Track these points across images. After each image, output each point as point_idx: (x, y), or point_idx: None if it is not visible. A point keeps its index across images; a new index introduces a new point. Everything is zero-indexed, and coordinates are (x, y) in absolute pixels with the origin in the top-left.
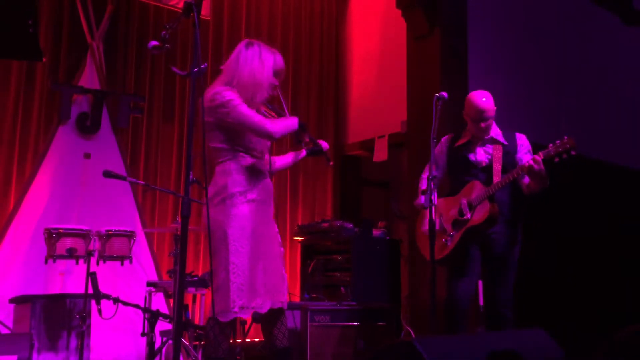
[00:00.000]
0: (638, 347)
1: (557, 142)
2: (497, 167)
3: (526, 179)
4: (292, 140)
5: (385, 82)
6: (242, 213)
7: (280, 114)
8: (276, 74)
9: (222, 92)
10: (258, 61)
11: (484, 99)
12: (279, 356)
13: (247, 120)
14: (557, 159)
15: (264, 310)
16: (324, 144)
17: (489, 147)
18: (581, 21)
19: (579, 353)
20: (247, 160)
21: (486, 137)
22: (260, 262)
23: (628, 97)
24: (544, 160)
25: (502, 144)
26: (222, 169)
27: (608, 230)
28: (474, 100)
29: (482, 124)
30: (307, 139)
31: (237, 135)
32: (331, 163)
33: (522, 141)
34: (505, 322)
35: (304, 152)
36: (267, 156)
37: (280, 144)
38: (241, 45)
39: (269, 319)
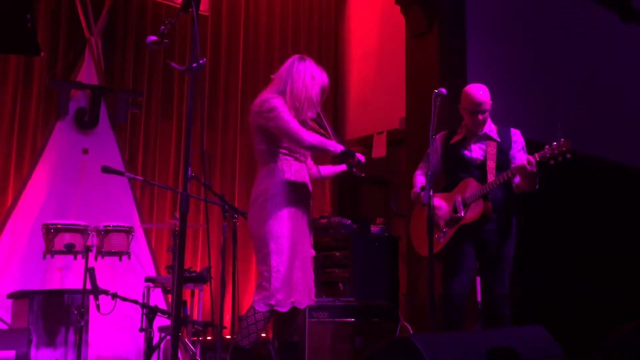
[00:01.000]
0: (636, 344)
1: (554, 144)
2: (491, 164)
3: (517, 179)
4: (336, 161)
5: (384, 78)
6: (282, 214)
7: (320, 125)
8: (323, 91)
9: (270, 99)
10: (310, 76)
11: (481, 92)
12: (288, 349)
13: (285, 126)
14: (552, 162)
15: (302, 306)
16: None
17: (484, 144)
18: (580, 17)
19: (577, 350)
20: (290, 163)
21: (480, 133)
22: (297, 261)
23: (627, 94)
24: (539, 162)
25: (496, 141)
26: (266, 171)
27: (608, 228)
28: (471, 92)
29: (480, 116)
30: (353, 165)
31: (280, 139)
32: (363, 175)
33: (517, 137)
34: (502, 319)
35: (343, 167)
36: (310, 161)
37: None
38: (294, 58)
39: (287, 314)
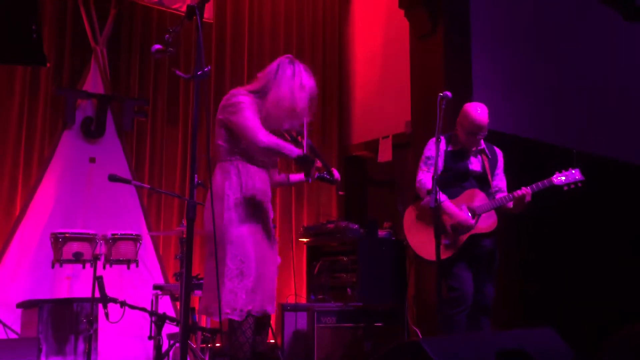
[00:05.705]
0: None
1: (564, 172)
2: (489, 179)
3: (510, 203)
4: (300, 169)
5: (389, 82)
6: (238, 218)
7: (299, 133)
8: (311, 101)
9: (238, 94)
10: (299, 84)
11: (482, 113)
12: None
13: (244, 122)
14: (566, 188)
15: (260, 313)
16: (336, 174)
17: (480, 157)
18: (583, 16)
19: (588, 353)
20: (247, 166)
21: (474, 149)
22: (258, 267)
23: (632, 93)
24: (554, 187)
25: (488, 157)
26: (220, 170)
27: (618, 228)
28: (472, 113)
29: (478, 137)
30: (314, 170)
31: (239, 139)
32: (341, 193)
33: (501, 157)
34: (488, 311)
35: (301, 176)
36: (274, 170)
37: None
38: (283, 59)
39: (257, 325)
